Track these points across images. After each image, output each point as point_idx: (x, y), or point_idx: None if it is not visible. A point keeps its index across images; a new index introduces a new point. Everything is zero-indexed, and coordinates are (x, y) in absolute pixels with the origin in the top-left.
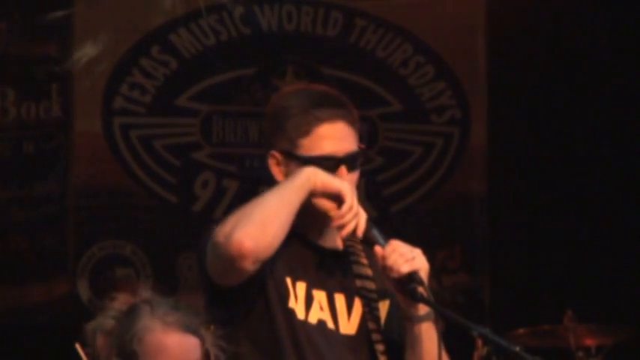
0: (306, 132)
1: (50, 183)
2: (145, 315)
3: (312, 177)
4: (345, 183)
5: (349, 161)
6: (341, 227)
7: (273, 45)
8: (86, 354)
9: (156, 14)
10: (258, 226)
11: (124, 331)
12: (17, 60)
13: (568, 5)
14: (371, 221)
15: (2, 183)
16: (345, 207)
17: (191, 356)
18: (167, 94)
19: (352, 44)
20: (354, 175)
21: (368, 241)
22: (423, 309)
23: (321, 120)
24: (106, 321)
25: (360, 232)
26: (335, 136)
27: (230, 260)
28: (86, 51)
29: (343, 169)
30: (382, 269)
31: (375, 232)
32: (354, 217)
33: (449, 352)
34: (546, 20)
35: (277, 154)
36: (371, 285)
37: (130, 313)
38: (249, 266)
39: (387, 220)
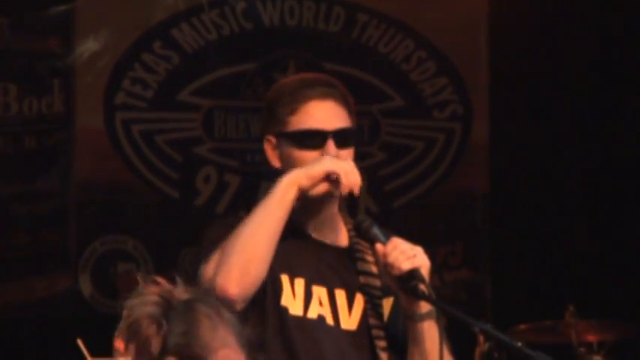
0: (294, 109)
1: (52, 178)
2: (218, 326)
3: (294, 180)
4: (324, 157)
5: (337, 136)
6: (350, 190)
7: (275, 40)
8: (125, 335)
9: (158, 9)
10: (241, 268)
11: (192, 335)
12: (19, 55)
13: (570, 1)
14: (371, 219)
15: (4, 178)
16: (340, 171)
17: None
18: (169, 89)
19: (354, 40)
20: (346, 153)
21: (369, 239)
22: (424, 307)
23: (309, 97)
24: (154, 309)
25: (357, 189)
26: (323, 113)
27: (219, 299)
28: (88, 46)
29: (331, 142)
30: (383, 267)
31: (376, 230)
32: (352, 174)
33: (451, 348)
34: (549, 16)
35: (271, 138)
36: (375, 282)
37: (194, 315)
38: (239, 305)
39: (388, 215)
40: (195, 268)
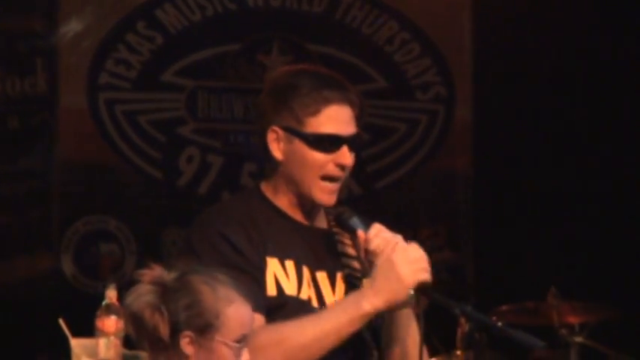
0: (315, 111)
1: (35, 158)
2: (217, 287)
3: (375, 311)
4: (398, 275)
5: (351, 142)
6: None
7: (259, 21)
8: (133, 331)
9: None
10: None
11: (196, 303)
12: (2, 35)
13: None
14: (351, 210)
15: None
16: (428, 277)
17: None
18: (152, 70)
19: (338, 21)
20: (353, 156)
21: (349, 230)
22: None
23: (329, 101)
24: (152, 296)
25: None
26: (341, 118)
27: None
28: (72, 26)
29: (345, 148)
30: (364, 254)
31: (356, 220)
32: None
33: (433, 329)
34: None
35: (279, 130)
36: (355, 264)
37: (192, 286)
38: None
39: (371, 196)
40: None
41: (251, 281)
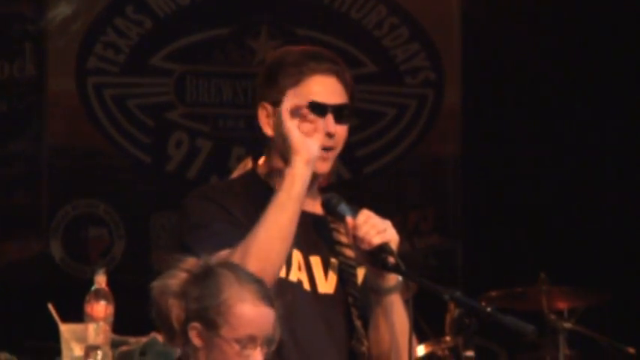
0: (297, 81)
1: (24, 142)
2: (233, 283)
3: (306, 168)
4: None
5: (336, 111)
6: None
7: (248, 5)
8: (154, 314)
9: None
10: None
11: (208, 296)
12: None
13: None
14: (339, 196)
15: None
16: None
17: (270, 328)
18: (141, 54)
19: (327, 5)
20: (343, 128)
21: (338, 216)
22: (391, 281)
23: (314, 71)
24: (175, 282)
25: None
26: (325, 88)
27: None
28: (60, 10)
29: (330, 116)
30: (353, 240)
31: (344, 207)
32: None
33: (422, 315)
34: None
35: (267, 106)
36: (349, 252)
37: (211, 278)
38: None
39: (360, 181)
40: (181, 244)
41: (235, 229)
